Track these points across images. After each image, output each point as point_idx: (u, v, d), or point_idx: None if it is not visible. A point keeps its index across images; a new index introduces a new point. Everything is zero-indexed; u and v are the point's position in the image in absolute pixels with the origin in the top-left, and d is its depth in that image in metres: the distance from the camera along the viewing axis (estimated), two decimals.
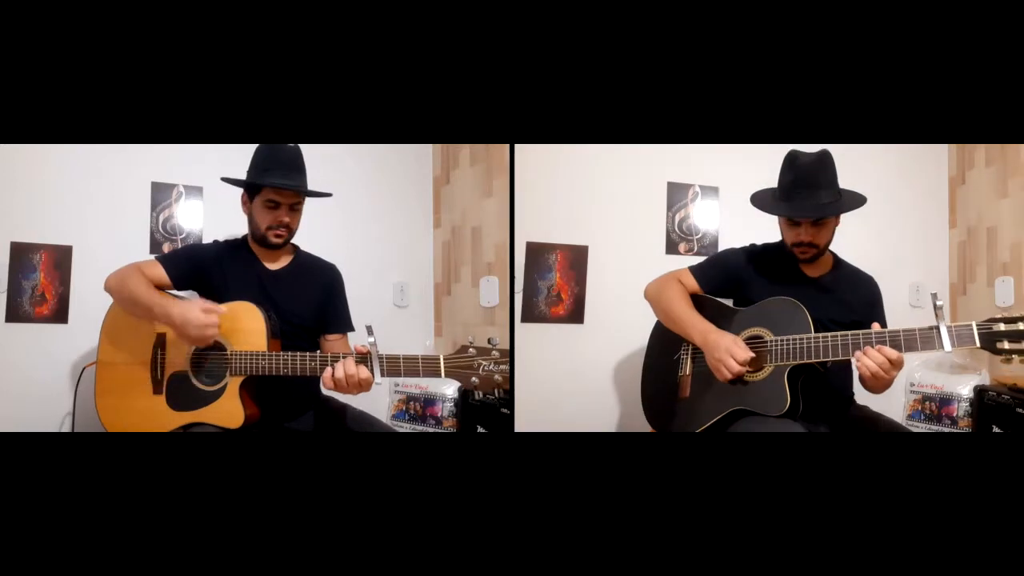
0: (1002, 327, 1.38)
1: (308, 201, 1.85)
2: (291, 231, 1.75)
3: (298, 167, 1.73)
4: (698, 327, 1.68)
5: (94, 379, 1.72)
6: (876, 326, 1.50)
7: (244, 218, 1.78)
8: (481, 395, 1.54)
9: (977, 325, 1.40)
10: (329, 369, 1.54)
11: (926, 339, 1.43)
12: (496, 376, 1.50)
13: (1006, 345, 1.37)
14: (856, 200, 1.67)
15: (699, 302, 1.78)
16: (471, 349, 1.51)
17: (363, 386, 1.55)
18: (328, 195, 1.80)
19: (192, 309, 1.57)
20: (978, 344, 1.39)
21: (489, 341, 1.52)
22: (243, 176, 1.74)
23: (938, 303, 1.41)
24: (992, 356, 1.41)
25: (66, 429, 2.00)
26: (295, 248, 1.84)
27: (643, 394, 1.90)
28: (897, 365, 1.45)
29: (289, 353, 1.58)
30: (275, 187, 1.69)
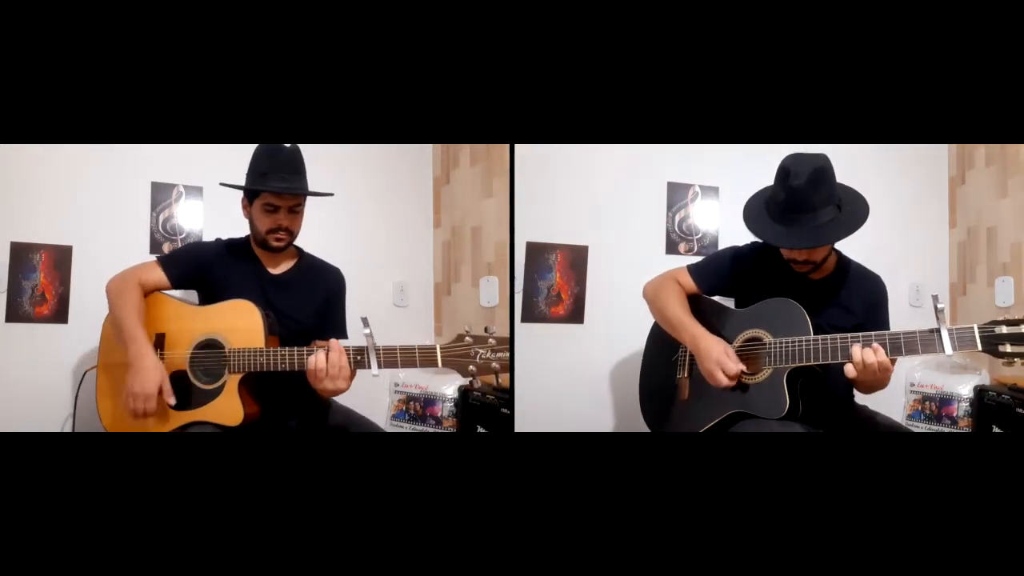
0: (1004, 330, 1.36)
1: (308, 200, 1.85)
2: (292, 234, 1.72)
3: (296, 169, 1.70)
4: (690, 331, 1.66)
5: (95, 381, 1.73)
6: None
7: (245, 217, 1.78)
8: (479, 384, 1.53)
9: (979, 328, 1.38)
10: (312, 358, 1.53)
11: (927, 342, 1.42)
12: (494, 364, 1.49)
13: (1008, 348, 1.35)
14: (856, 218, 1.57)
15: (698, 302, 1.77)
16: (467, 338, 1.50)
17: (340, 378, 1.53)
18: (329, 195, 1.78)
19: (152, 377, 1.55)
20: (980, 348, 1.38)
21: (486, 330, 1.51)
22: (242, 179, 1.73)
23: (939, 306, 1.39)
24: (992, 356, 1.41)
25: (67, 429, 2.00)
26: (299, 251, 1.82)
27: (641, 396, 1.90)
28: (883, 369, 1.44)
29: (286, 348, 1.58)
30: (273, 192, 1.67)
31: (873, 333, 1.47)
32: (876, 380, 1.50)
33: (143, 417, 1.58)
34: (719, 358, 1.58)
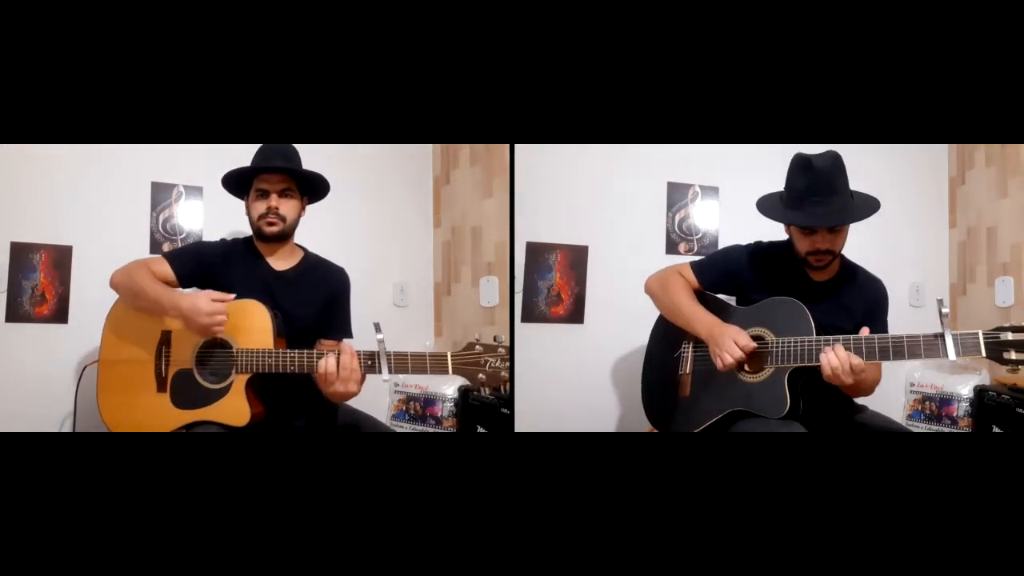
0: (1009, 336, 1.35)
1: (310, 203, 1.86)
2: (285, 220, 1.72)
3: (286, 156, 1.74)
4: (704, 321, 1.67)
5: (96, 377, 1.72)
6: (865, 331, 1.51)
7: (244, 217, 1.78)
8: (485, 392, 1.54)
9: (984, 334, 1.37)
10: (322, 361, 1.54)
11: (930, 346, 1.42)
12: (503, 373, 1.51)
13: (1013, 355, 1.35)
14: (871, 204, 1.62)
15: (700, 299, 1.77)
16: (478, 346, 1.51)
17: (349, 381, 1.54)
18: (318, 175, 1.77)
19: (201, 299, 1.57)
20: (984, 354, 1.37)
21: (495, 339, 1.52)
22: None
23: (944, 310, 1.39)
24: (997, 363, 1.40)
25: (67, 428, 2.00)
26: (304, 250, 1.82)
27: (643, 392, 1.89)
28: (857, 371, 1.46)
29: (295, 351, 1.58)
30: (258, 172, 1.70)
31: (876, 337, 1.47)
32: (857, 385, 1.52)
33: (220, 332, 1.59)
34: (733, 334, 1.59)
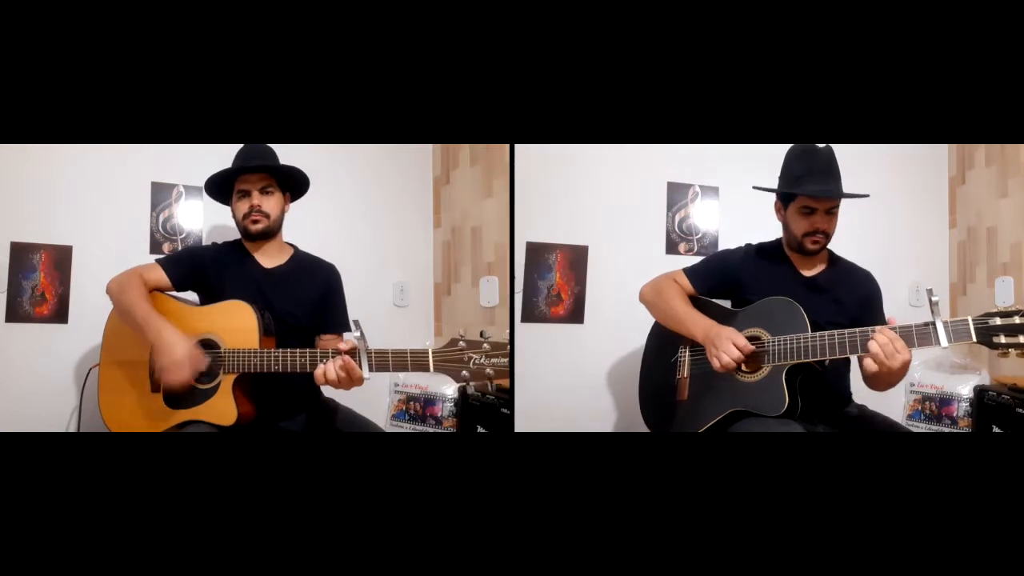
0: (998, 321, 1.37)
1: (308, 201, 1.86)
2: (269, 216, 1.73)
3: (261, 155, 1.75)
4: (700, 324, 1.68)
5: (98, 379, 1.73)
6: (893, 320, 1.49)
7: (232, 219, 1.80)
8: (475, 390, 1.52)
9: (973, 320, 1.39)
10: (320, 367, 1.54)
11: (923, 335, 1.42)
12: (488, 370, 1.48)
13: (1003, 339, 1.36)
14: (860, 195, 1.68)
15: (696, 303, 1.78)
16: (461, 343, 1.49)
17: (355, 382, 1.55)
18: (295, 169, 1.78)
19: (182, 345, 1.56)
20: (974, 339, 1.38)
21: (481, 334, 1.50)
22: None
23: (934, 299, 1.40)
24: (992, 356, 1.41)
25: (72, 426, 2.01)
26: (294, 248, 1.84)
27: (641, 397, 1.90)
28: (902, 351, 1.42)
29: (281, 350, 1.58)
30: (238, 174, 1.72)
31: (869, 328, 1.48)
32: (899, 371, 1.47)
33: (183, 388, 1.58)
34: (730, 335, 1.59)
